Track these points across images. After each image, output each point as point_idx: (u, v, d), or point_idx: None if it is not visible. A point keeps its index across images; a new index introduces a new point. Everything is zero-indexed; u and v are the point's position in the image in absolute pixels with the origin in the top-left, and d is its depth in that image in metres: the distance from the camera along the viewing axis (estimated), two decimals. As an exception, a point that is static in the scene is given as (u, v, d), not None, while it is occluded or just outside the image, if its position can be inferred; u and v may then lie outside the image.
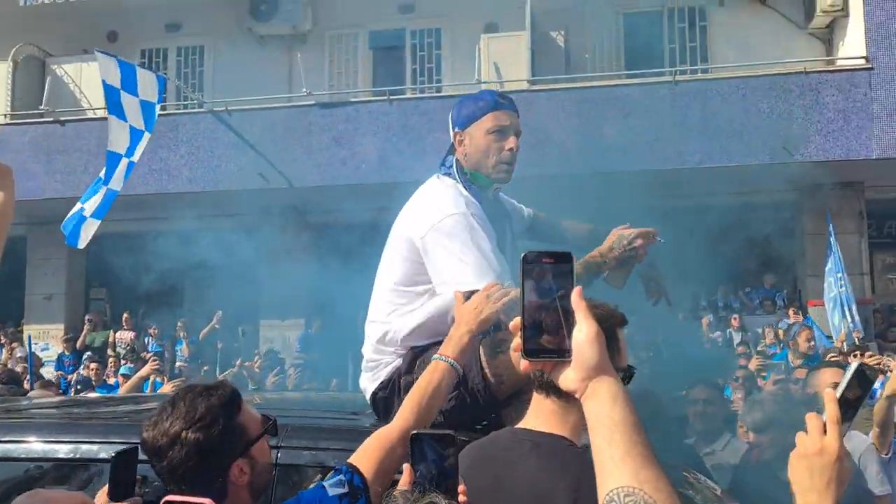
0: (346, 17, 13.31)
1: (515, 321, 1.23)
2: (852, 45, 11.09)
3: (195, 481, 1.81)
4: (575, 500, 1.68)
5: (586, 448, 1.66)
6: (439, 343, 2.33)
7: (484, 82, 11.49)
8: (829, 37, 12.14)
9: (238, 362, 10.22)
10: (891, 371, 4.15)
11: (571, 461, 1.76)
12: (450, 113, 2.77)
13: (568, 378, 1.21)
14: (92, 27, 13.42)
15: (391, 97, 11.37)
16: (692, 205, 11.57)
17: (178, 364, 11.17)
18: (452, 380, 2.07)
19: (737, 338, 10.83)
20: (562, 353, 1.21)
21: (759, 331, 10.95)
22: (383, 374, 2.60)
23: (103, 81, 9.47)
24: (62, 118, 12.26)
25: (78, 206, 8.90)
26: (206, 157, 11.64)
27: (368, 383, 2.66)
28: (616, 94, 11.00)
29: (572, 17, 12.21)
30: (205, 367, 10.15)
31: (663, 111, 10.66)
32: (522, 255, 1.22)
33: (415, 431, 1.72)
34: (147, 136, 9.24)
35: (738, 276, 11.65)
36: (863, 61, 10.49)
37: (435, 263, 2.48)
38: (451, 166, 2.71)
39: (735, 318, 11.16)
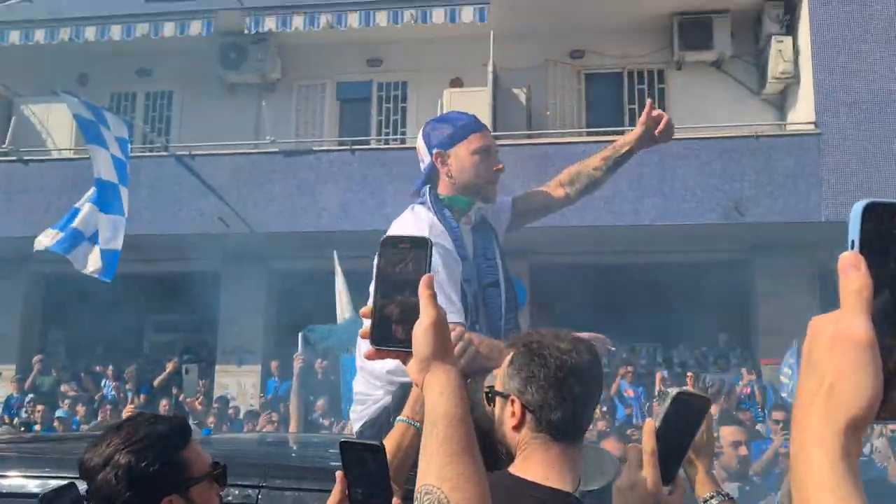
0: (315, 68, 13.53)
1: (367, 307, 1.19)
2: (803, 112, 11.44)
3: None
4: None
5: None
6: None
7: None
8: (781, 103, 12.54)
9: (181, 398, 10.01)
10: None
11: None
12: (420, 135, 2.71)
13: (411, 370, 1.18)
14: (62, 69, 13.47)
15: (353, 147, 11.53)
16: (647, 262, 11.80)
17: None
18: (416, 442, 1.98)
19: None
20: (407, 344, 1.16)
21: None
22: (371, 411, 2.52)
23: (77, 116, 9.51)
24: (26, 157, 12.23)
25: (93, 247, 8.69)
26: (168, 201, 11.64)
27: (356, 417, 2.59)
28: (576, 150, 11.18)
29: (535, 76, 12.52)
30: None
31: (620, 169, 10.85)
32: (381, 239, 1.19)
33: (344, 440, 1.67)
34: (124, 189, 9.19)
35: (692, 333, 11.79)
36: (812, 126, 10.82)
37: None
38: (426, 194, 2.64)
39: (690, 376, 11.20)
